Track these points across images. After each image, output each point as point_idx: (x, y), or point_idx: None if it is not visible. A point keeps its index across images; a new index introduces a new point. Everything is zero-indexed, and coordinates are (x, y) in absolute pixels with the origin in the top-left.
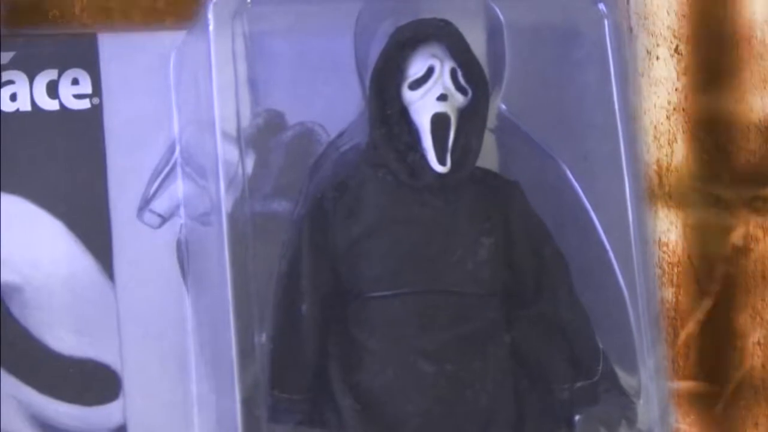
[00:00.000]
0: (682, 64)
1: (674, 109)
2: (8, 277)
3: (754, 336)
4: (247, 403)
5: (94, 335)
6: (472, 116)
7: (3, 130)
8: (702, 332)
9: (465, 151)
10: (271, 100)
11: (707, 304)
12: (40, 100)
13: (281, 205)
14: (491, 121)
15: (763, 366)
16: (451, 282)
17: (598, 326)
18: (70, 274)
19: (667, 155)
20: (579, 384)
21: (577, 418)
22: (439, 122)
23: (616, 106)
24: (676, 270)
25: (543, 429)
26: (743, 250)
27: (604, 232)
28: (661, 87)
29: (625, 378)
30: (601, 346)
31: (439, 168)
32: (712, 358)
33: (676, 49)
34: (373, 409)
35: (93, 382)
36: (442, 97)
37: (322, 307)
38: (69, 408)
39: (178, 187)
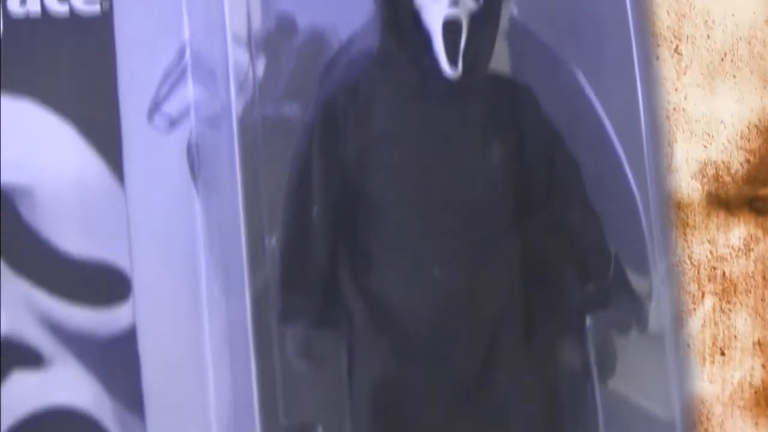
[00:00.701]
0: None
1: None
2: (19, 180)
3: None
4: (257, 306)
5: (104, 238)
6: (484, 20)
7: (13, 34)
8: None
9: (476, 56)
10: (282, 4)
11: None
12: (50, 4)
13: (292, 109)
14: (503, 25)
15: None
16: (462, 187)
17: (609, 230)
18: (80, 178)
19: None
20: (590, 287)
21: (587, 321)
22: (450, 26)
23: (629, 10)
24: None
25: (553, 333)
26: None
27: (617, 136)
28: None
29: (636, 281)
30: (612, 249)
31: (450, 72)
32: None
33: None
34: (383, 314)
35: (103, 284)
36: (454, 2)
37: (332, 212)
38: (79, 310)
39: (189, 91)
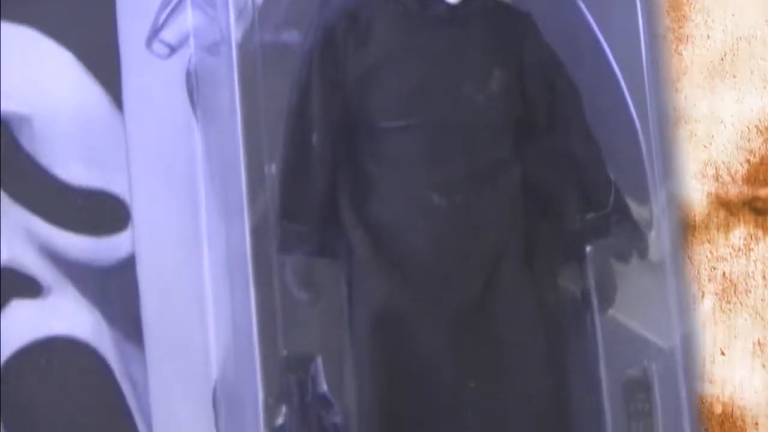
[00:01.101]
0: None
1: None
2: (17, 107)
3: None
4: (257, 234)
5: (103, 166)
6: None
7: None
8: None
9: None
10: None
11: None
12: None
13: (292, 36)
14: None
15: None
16: (463, 114)
17: (610, 158)
18: (79, 105)
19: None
20: (590, 216)
21: (587, 249)
22: None
23: None
24: None
25: (553, 261)
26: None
27: (618, 65)
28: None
29: (636, 210)
30: (612, 177)
31: None
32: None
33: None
34: (383, 242)
35: (102, 213)
36: None
37: (332, 139)
38: (78, 238)
39: (188, 18)
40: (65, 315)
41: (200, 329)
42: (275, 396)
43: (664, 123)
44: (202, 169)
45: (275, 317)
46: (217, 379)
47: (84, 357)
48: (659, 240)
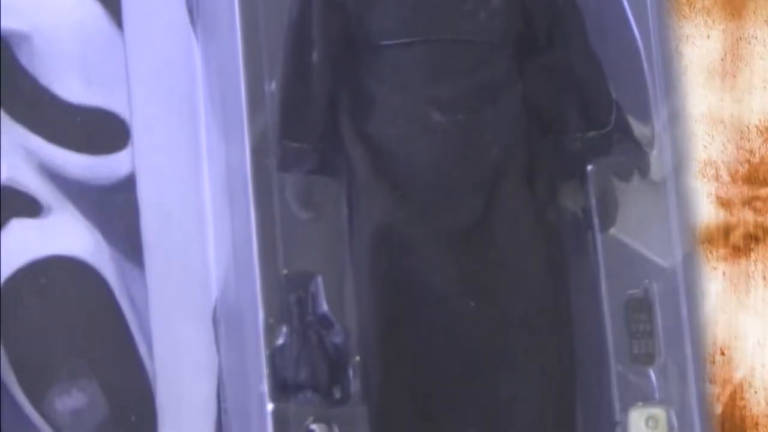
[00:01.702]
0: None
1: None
2: (16, 25)
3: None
4: (257, 153)
5: (102, 84)
6: None
7: None
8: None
9: None
10: None
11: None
12: None
13: None
14: None
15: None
16: (464, 31)
17: (611, 76)
18: (78, 22)
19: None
20: (591, 134)
21: (589, 168)
22: None
23: None
24: None
25: (554, 180)
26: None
27: None
28: None
29: (638, 128)
30: (614, 95)
31: None
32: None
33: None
34: (383, 159)
35: (101, 131)
36: None
37: (333, 56)
38: (77, 157)
39: None
40: (65, 234)
41: (200, 249)
42: (275, 315)
43: (666, 41)
44: (202, 88)
45: (275, 236)
46: (217, 298)
47: (83, 276)
48: (661, 158)
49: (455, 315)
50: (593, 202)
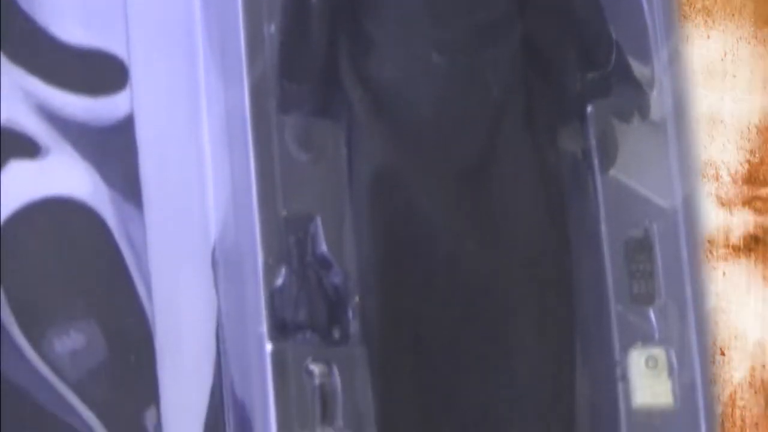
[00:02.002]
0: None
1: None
2: None
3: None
4: (256, 94)
5: (101, 25)
6: None
7: None
8: None
9: None
10: None
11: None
12: None
13: None
14: None
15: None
16: None
17: (611, 17)
18: None
19: None
20: (591, 75)
21: (588, 109)
22: None
23: None
24: None
25: (554, 120)
26: (743, 250)
27: None
28: None
29: (638, 68)
30: (613, 36)
31: None
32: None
33: None
34: (383, 101)
35: (100, 73)
36: None
37: None
38: (76, 98)
39: None
40: (63, 175)
41: (199, 190)
42: (274, 256)
43: None
44: (201, 29)
45: (274, 178)
46: (216, 239)
47: (82, 217)
48: (661, 99)
49: (455, 256)
50: (593, 143)
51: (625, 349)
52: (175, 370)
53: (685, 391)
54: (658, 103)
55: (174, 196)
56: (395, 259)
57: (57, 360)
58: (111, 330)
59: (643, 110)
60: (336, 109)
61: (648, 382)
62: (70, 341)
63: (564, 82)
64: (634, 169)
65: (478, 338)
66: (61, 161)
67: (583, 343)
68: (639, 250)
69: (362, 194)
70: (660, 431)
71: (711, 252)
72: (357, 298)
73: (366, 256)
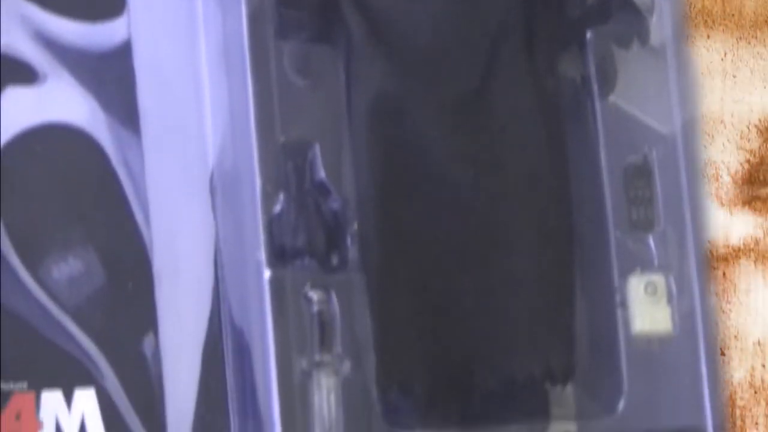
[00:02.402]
0: None
1: None
2: None
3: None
4: (254, 20)
5: None
6: None
7: None
8: None
9: None
10: None
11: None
12: None
13: None
14: None
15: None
16: None
17: None
18: None
19: None
20: (590, 0)
21: (588, 35)
22: None
23: None
24: None
25: (554, 46)
26: (743, 250)
27: None
28: None
29: None
30: None
31: None
32: None
33: None
34: (381, 26)
35: None
36: None
37: None
38: (73, 24)
39: None
40: (61, 102)
41: (197, 116)
42: (273, 183)
43: None
44: None
45: (272, 104)
46: (214, 165)
47: (80, 143)
48: (660, 25)
49: (454, 183)
50: (592, 69)
51: (624, 275)
52: (174, 297)
53: (684, 318)
54: (658, 28)
55: (172, 123)
56: (394, 184)
57: (55, 287)
58: (109, 257)
59: (643, 36)
60: (334, 35)
61: (647, 308)
62: (68, 268)
63: (563, 8)
64: (633, 95)
65: (478, 264)
66: (59, 87)
67: (582, 270)
68: (638, 176)
69: (361, 120)
70: (659, 358)
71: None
72: (355, 225)
73: (365, 182)
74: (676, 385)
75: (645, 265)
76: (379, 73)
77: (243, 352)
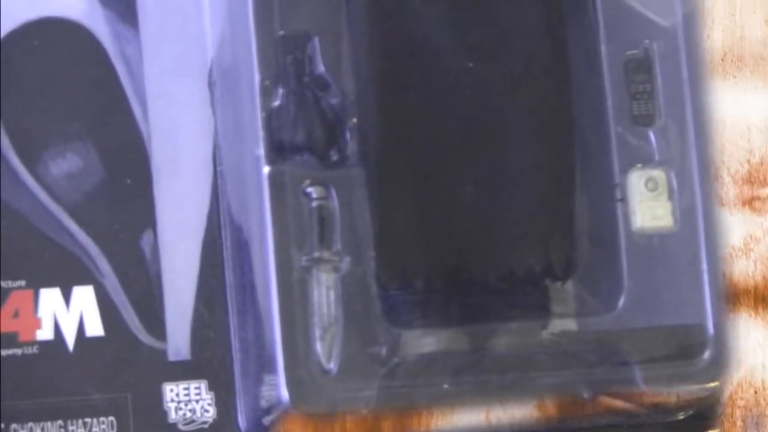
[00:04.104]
0: None
1: None
2: None
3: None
4: None
5: None
6: None
7: None
8: None
9: None
10: None
11: None
12: None
13: None
14: None
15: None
16: None
17: None
18: None
19: None
20: None
21: None
22: None
23: None
24: None
25: None
26: (743, 250)
27: None
28: None
29: None
30: None
31: None
32: None
33: None
34: None
35: None
36: None
37: None
38: None
39: None
40: None
41: (195, 9)
42: (271, 77)
43: None
44: None
45: None
46: (212, 59)
47: (77, 38)
48: None
49: (453, 75)
50: None
51: (625, 171)
52: (172, 193)
53: (685, 214)
54: None
55: (170, 16)
56: (393, 77)
57: (53, 183)
58: (107, 152)
59: None
60: None
61: (648, 204)
62: (66, 164)
63: None
64: None
65: (478, 156)
66: None
67: (583, 165)
68: (639, 70)
69: (360, 12)
70: (660, 254)
71: None
72: (355, 120)
73: (364, 76)
74: (677, 282)
75: (646, 160)
76: None
77: (242, 249)
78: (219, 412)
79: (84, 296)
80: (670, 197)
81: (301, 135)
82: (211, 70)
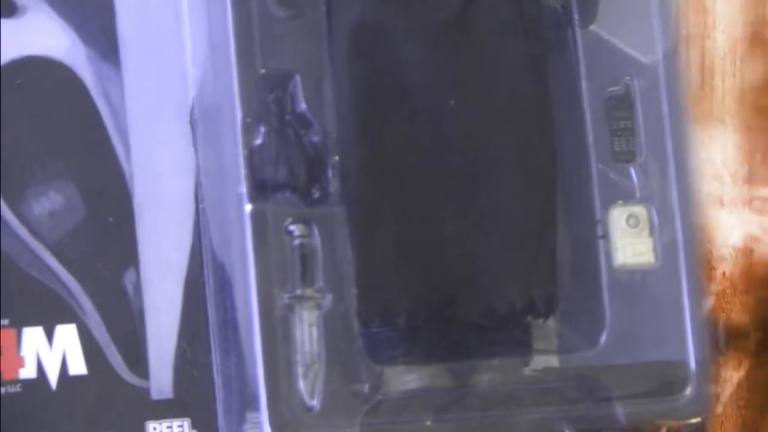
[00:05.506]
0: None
1: None
2: None
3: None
4: None
5: None
6: None
7: None
8: None
9: None
10: None
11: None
12: None
13: None
14: None
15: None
16: None
17: None
18: None
19: None
20: None
21: None
22: None
23: None
24: None
25: None
26: (743, 250)
27: None
28: None
29: None
30: None
31: None
32: None
33: None
34: None
35: None
36: None
37: None
38: None
39: None
40: (40, 34)
41: (177, 47)
42: (253, 115)
43: None
44: None
45: (253, 35)
46: (194, 98)
47: (60, 76)
48: None
49: (435, 112)
50: None
51: (606, 207)
52: (155, 230)
53: (666, 250)
54: None
55: (152, 54)
56: (375, 115)
57: (35, 221)
58: (89, 190)
59: None
60: None
61: (629, 240)
62: (48, 202)
63: None
64: (614, 24)
65: (459, 195)
66: (38, 19)
67: (564, 201)
68: (620, 107)
69: (342, 49)
70: (641, 290)
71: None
72: (336, 157)
73: (346, 113)
74: (659, 318)
75: (627, 196)
76: (359, 1)
77: (224, 287)
78: None
79: (67, 334)
80: (652, 233)
81: (283, 173)
82: (192, 108)
